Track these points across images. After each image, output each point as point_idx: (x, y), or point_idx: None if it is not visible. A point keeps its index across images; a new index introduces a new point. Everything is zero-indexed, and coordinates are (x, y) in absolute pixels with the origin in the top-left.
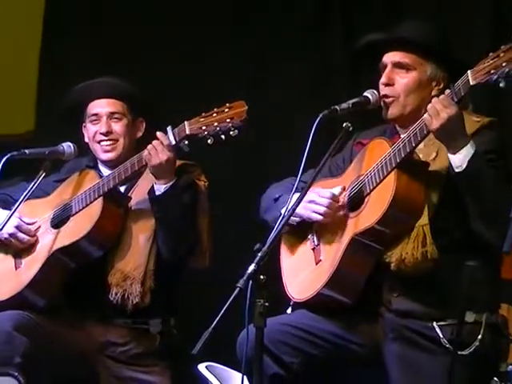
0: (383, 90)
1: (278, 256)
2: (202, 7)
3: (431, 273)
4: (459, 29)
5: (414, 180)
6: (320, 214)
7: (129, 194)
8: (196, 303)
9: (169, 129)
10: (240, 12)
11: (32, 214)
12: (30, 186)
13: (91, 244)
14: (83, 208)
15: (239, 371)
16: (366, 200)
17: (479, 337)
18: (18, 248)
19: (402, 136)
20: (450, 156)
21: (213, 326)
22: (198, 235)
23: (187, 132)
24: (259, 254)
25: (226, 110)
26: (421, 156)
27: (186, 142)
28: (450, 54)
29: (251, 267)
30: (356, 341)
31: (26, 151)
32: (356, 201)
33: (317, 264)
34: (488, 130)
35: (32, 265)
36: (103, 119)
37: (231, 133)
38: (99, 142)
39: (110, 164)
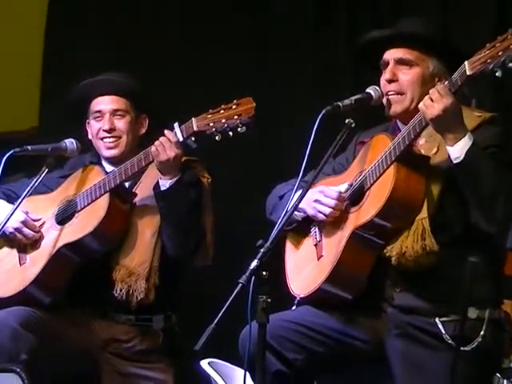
0: (387, 87)
1: (281, 253)
2: (202, 8)
3: (433, 267)
4: (463, 29)
5: (414, 173)
6: (325, 214)
7: (133, 190)
8: (199, 299)
9: (176, 125)
10: (241, 11)
11: (36, 210)
12: (33, 181)
13: (97, 240)
14: (89, 204)
15: (242, 367)
16: (366, 194)
17: (482, 333)
18: (23, 243)
19: (402, 129)
20: (448, 148)
21: (215, 322)
22: (203, 232)
23: (195, 128)
24: (262, 250)
25: (234, 106)
26: (422, 152)
27: (193, 139)
28: (453, 49)
29: (253, 263)
30: (359, 337)
31: (29, 148)
32: (357, 195)
33: (319, 260)
34: (489, 124)
35: (37, 261)
36: (106, 116)
37: (239, 129)
38: (102, 139)
39: (112, 161)
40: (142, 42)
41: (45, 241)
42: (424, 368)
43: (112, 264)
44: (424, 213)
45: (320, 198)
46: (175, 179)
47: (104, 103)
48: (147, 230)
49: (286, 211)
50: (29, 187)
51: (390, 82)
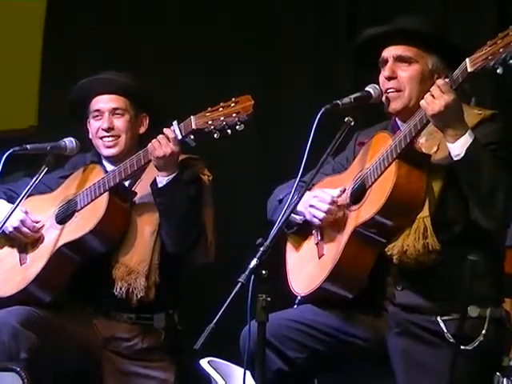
0: (387, 84)
1: (281, 252)
2: (201, 8)
3: (434, 266)
4: (463, 26)
5: (415, 170)
6: (319, 219)
7: (133, 189)
8: (200, 298)
9: (175, 123)
10: (241, 12)
11: (37, 209)
12: (33, 180)
13: (97, 239)
14: (88, 203)
15: (242, 366)
16: (367, 192)
17: (483, 331)
18: (23, 243)
19: (403, 127)
20: (449, 144)
21: (215, 321)
22: (203, 229)
23: (193, 126)
24: (261, 249)
25: (233, 104)
26: (423, 150)
27: (192, 137)
28: (452, 46)
29: (253, 262)
30: (360, 335)
31: (28, 147)
32: (359, 194)
33: (320, 258)
34: (490, 122)
35: (37, 260)
36: (105, 115)
37: (237, 127)
38: (101, 138)
39: (112, 160)
40: (142, 41)
41: (45, 240)
42: (425, 366)
43: (112, 262)
44: (425, 211)
45: (314, 202)
46: (172, 176)
47: (103, 102)
48: (147, 228)
49: (285, 211)
50: (28, 186)
51: (389, 79)
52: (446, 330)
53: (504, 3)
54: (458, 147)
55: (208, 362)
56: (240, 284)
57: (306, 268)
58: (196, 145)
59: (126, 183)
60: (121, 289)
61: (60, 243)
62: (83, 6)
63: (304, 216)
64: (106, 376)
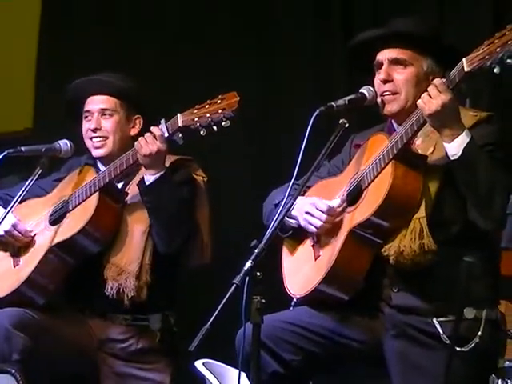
0: (382, 87)
1: (277, 254)
2: (202, 13)
3: (431, 266)
4: (459, 27)
5: (412, 171)
6: (316, 227)
7: (126, 190)
8: (195, 300)
9: (162, 121)
10: (241, 18)
11: (32, 213)
12: (27, 182)
13: (87, 239)
14: (79, 203)
15: (237, 368)
16: (364, 193)
17: (479, 333)
18: (15, 246)
19: (399, 129)
20: (446, 144)
21: (209, 322)
22: (196, 230)
23: (180, 124)
24: (256, 251)
25: (219, 101)
26: (419, 151)
27: (181, 135)
28: (447, 48)
29: (248, 264)
30: (356, 337)
31: (22, 149)
32: (355, 195)
33: (316, 260)
34: (486, 123)
35: (30, 262)
36: (95, 116)
37: (223, 123)
38: (91, 139)
39: (103, 161)
40: (141, 46)
41: (38, 242)
42: (421, 368)
43: (104, 262)
44: (422, 212)
45: (311, 210)
46: (159, 174)
47: (93, 103)
48: (138, 228)
49: (279, 214)
50: (22, 189)
51: (384, 82)
52: (441, 332)
53: (499, 4)
54: (455, 147)
55: (203, 363)
56: (235, 286)
57: (302, 270)
58: (184, 143)
59: (120, 185)
60: (111, 289)
61: (51, 244)
62: (79, 8)
63: (298, 221)
64: (102, 378)
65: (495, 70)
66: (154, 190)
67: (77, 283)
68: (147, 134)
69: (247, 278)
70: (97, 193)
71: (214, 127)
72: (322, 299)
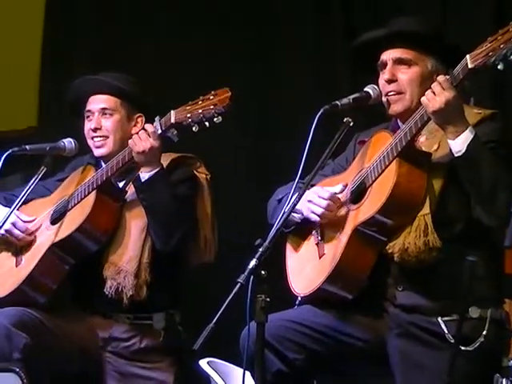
0: (387, 87)
1: (281, 252)
2: (202, 8)
3: (435, 264)
4: (462, 25)
5: (416, 169)
6: (317, 215)
7: (126, 189)
8: (200, 299)
9: (157, 119)
10: (241, 13)
11: (36, 212)
12: (31, 182)
13: (85, 237)
14: (78, 202)
15: (241, 367)
16: (368, 191)
17: (484, 332)
18: (17, 245)
19: (403, 126)
20: (450, 141)
21: (214, 321)
22: (197, 228)
23: (172, 120)
24: (260, 250)
25: (211, 97)
26: (423, 149)
27: (175, 132)
28: (450, 47)
29: (252, 262)
30: (360, 336)
31: (27, 147)
32: (359, 193)
33: (320, 258)
34: (489, 121)
35: (31, 261)
36: (95, 115)
37: (215, 119)
38: (92, 139)
39: (105, 160)
40: (142, 42)
41: (39, 241)
42: (425, 367)
43: (102, 261)
44: (426, 209)
45: (313, 198)
46: (154, 171)
47: (94, 102)
48: (136, 226)
49: (284, 211)
50: (26, 188)
51: (389, 82)
52: (446, 331)
53: (502, 3)
54: (459, 143)
55: (207, 362)
56: (239, 285)
57: (307, 268)
58: (179, 140)
59: (121, 184)
60: (111, 288)
61: (50, 243)
62: (82, 6)
63: (302, 214)
64: (105, 377)
65: (499, 67)
66: (149, 187)
67: (77, 282)
68: (141, 131)
69: (252, 277)
70: (94, 191)
71: (206, 123)
72: (326, 298)
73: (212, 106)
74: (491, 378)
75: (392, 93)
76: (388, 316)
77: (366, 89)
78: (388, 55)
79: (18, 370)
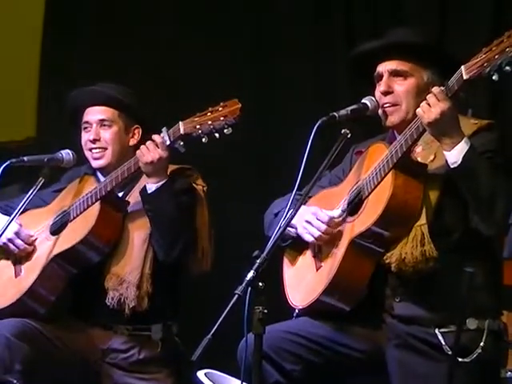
0: (383, 99)
1: (278, 264)
2: (202, 8)
3: (432, 274)
4: (460, 32)
5: (412, 180)
6: (314, 237)
7: (126, 199)
8: (197, 310)
9: (164, 130)
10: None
11: (33, 223)
12: (29, 193)
13: (89, 248)
14: (81, 213)
15: (239, 378)
16: (364, 203)
17: (482, 344)
18: (17, 255)
19: (399, 137)
20: (445, 152)
21: (212, 333)
22: (196, 238)
23: (181, 132)
24: (258, 261)
25: (220, 108)
26: (419, 159)
27: (182, 143)
28: (446, 58)
29: (250, 274)
30: (357, 347)
31: (25, 158)
32: (355, 205)
33: (317, 270)
34: (486, 131)
35: (31, 272)
36: (93, 126)
37: (225, 131)
38: (90, 150)
39: (104, 171)
40: (141, 52)
41: (39, 252)
42: (424, 378)
43: (104, 272)
44: (423, 219)
45: (312, 220)
46: (161, 183)
47: (92, 114)
48: (138, 237)
49: (280, 225)
50: (24, 199)
51: (385, 93)
52: (444, 343)
53: (501, 14)
54: (455, 155)
55: (205, 373)
56: (237, 296)
57: (304, 281)
58: (185, 151)
59: (120, 194)
60: (112, 299)
61: (52, 254)
62: (82, 16)
63: (296, 229)
64: None
65: (494, 78)
66: (156, 198)
67: (78, 293)
68: (148, 142)
69: (249, 289)
70: (98, 202)
71: (216, 134)
72: (323, 310)
73: (222, 118)
74: None
75: (388, 104)
76: (386, 326)
77: (363, 100)
78: (384, 67)
79: (15, 382)
